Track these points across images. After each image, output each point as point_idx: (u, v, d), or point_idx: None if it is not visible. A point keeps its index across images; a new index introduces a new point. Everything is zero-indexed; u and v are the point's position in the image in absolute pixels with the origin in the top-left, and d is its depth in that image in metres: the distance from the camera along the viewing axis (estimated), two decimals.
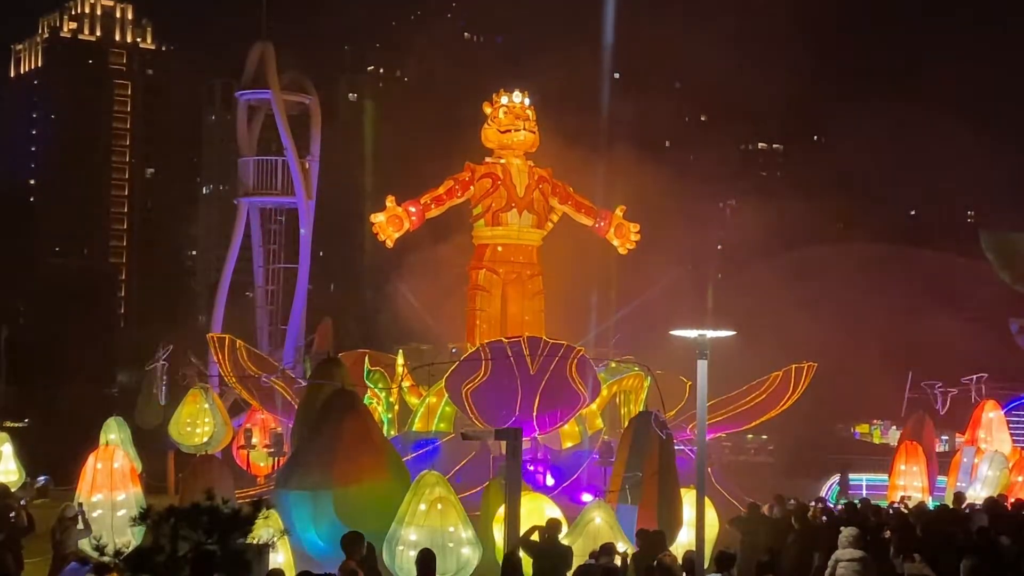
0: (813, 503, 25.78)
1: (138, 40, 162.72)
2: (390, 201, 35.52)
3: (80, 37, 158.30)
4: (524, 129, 36.50)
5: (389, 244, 35.82)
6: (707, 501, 21.59)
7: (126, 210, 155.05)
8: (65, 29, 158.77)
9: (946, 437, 53.66)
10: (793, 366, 34.88)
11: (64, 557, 20.82)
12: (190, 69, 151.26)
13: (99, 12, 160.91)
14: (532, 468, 30.71)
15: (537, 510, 20.15)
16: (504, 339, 31.41)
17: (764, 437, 56.27)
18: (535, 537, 18.19)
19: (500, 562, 17.96)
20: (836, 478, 35.41)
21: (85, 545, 21.13)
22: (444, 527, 19.48)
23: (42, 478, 28.37)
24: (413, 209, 35.70)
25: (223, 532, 12.37)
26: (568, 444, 33.60)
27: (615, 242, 38.27)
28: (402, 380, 33.65)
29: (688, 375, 28.38)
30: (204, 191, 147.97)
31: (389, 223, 35.29)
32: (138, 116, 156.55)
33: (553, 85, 39.39)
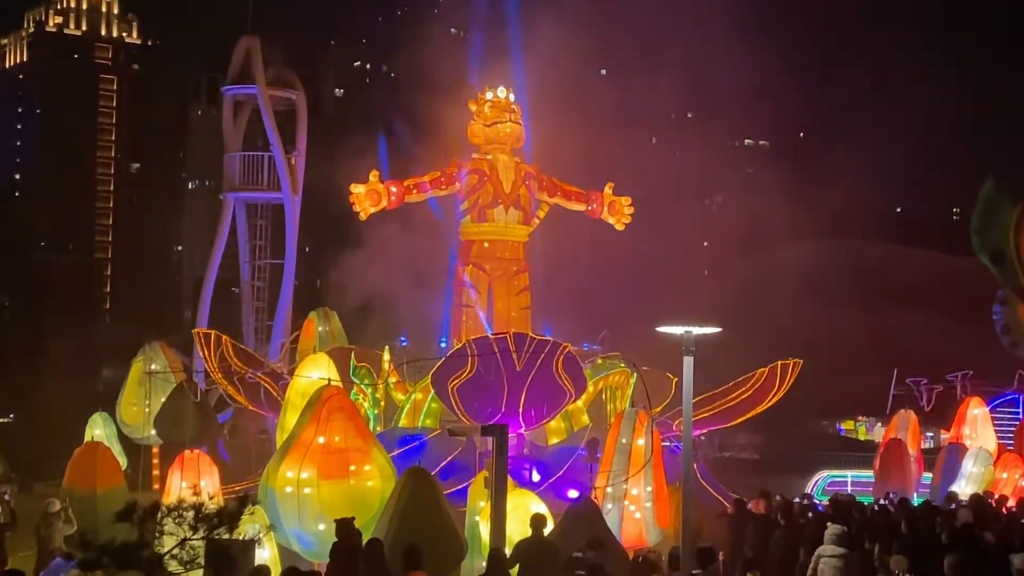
0: (798, 499, 25.85)
1: (124, 35, 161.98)
2: (373, 175, 35.62)
3: (66, 31, 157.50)
4: (510, 121, 36.47)
5: (363, 217, 35.98)
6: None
7: (111, 205, 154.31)
8: (51, 23, 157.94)
9: (931, 434, 53.90)
10: (779, 362, 34.91)
11: (49, 552, 20.80)
12: (176, 64, 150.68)
13: (85, 6, 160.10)
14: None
15: (523, 506, 20.13)
16: (490, 335, 31.41)
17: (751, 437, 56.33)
18: None
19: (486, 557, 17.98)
20: (822, 474, 35.49)
21: (70, 541, 21.09)
22: None
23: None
24: (394, 189, 35.83)
25: (209, 528, 12.37)
26: (554, 440, 33.61)
27: (611, 220, 38.21)
28: (388, 376, 33.62)
29: (674, 371, 28.40)
30: (190, 186, 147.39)
31: (368, 196, 35.40)
32: (124, 111, 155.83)
33: (538, 82, 39.24)
